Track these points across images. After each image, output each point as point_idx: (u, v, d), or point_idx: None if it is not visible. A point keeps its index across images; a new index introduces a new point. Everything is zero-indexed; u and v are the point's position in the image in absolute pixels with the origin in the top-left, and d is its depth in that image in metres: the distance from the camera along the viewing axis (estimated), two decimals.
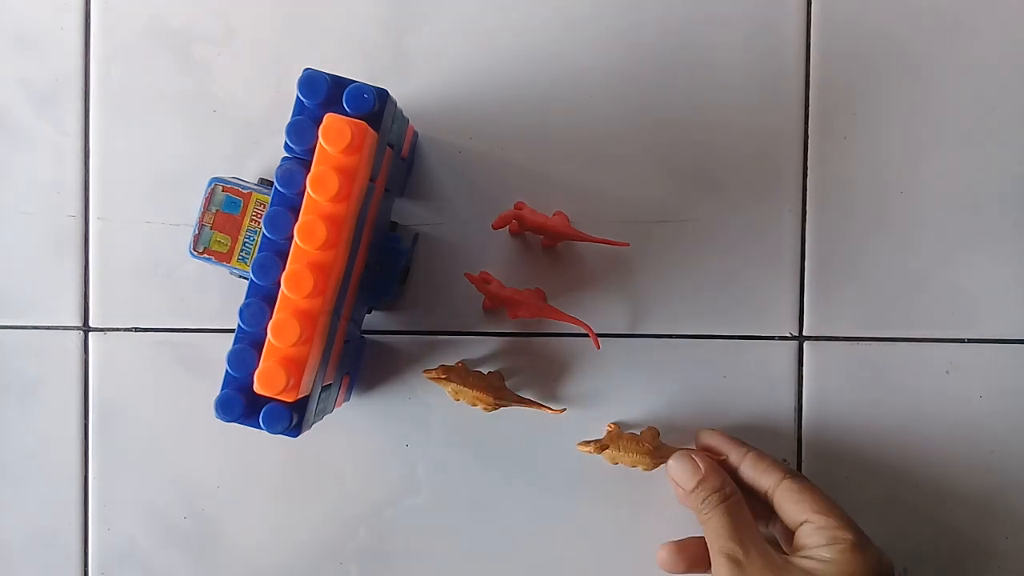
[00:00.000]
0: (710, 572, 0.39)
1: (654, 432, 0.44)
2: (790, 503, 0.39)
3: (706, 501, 0.39)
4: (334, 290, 0.35)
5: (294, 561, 0.45)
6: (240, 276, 0.42)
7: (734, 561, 0.37)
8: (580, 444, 0.43)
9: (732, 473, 0.41)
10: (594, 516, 0.45)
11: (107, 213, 0.45)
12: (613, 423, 0.44)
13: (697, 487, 0.40)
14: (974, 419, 0.45)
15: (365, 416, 0.45)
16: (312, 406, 0.36)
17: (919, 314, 0.45)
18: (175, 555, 0.45)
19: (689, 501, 0.40)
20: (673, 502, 0.45)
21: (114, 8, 0.45)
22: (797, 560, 0.37)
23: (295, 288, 0.33)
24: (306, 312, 0.33)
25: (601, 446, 0.42)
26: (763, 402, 0.45)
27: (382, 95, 0.35)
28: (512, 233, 0.45)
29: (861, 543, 0.37)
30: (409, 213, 0.45)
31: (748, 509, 0.39)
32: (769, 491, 0.40)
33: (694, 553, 0.42)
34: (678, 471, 0.41)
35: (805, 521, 0.38)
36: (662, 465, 0.43)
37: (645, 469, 0.43)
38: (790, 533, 0.40)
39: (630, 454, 0.42)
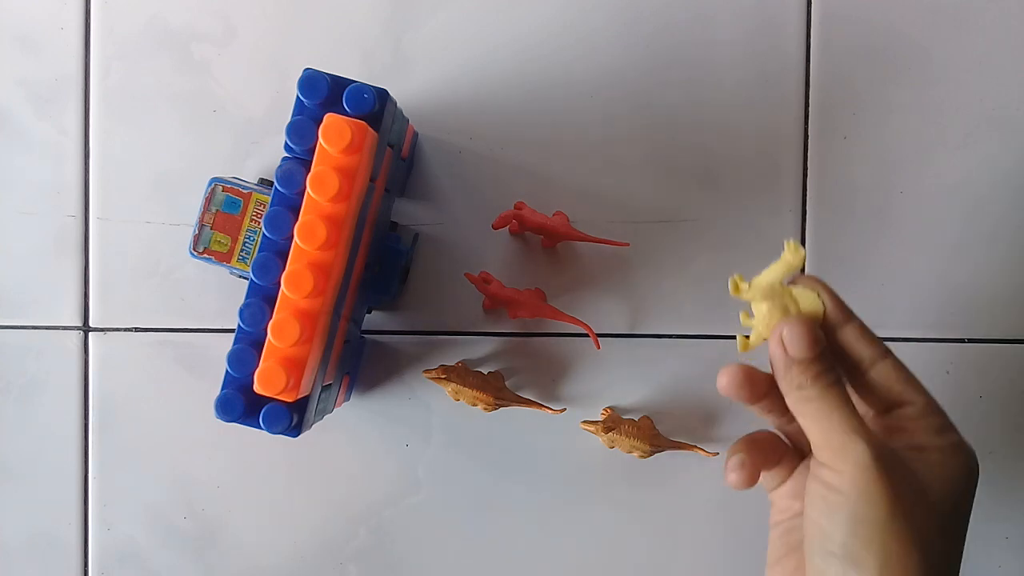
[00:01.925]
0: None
1: (650, 421, 0.44)
2: (895, 382, 0.33)
3: (817, 378, 0.32)
4: (334, 290, 0.35)
5: (294, 561, 0.45)
6: (240, 276, 0.42)
7: (873, 449, 0.31)
8: (584, 423, 0.44)
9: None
10: (594, 515, 0.45)
11: (107, 213, 0.45)
12: (608, 407, 0.45)
13: (812, 361, 0.32)
14: (974, 419, 0.45)
15: (365, 416, 0.45)
16: (312, 406, 0.36)
17: (919, 314, 0.45)
18: (175, 555, 0.45)
19: (791, 377, 0.33)
20: (674, 502, 0.45)
21: (114, 8, 0.45)
22: (910, 454, 0.32)
23: (295, 288, 0.33)
24: (306, 312, 0.33)
25: (606, 427, 0.43)
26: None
27: (382, 95, 0.35)
28: (512, 233, 0.45)
29: (965, 445, 0.33)
30: (409, 213, 0.45)
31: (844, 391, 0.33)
32: (867, 362, 0.33)
33: (765, 391, 0.35)
34: (792, 339, 0.32)
35: (907, 403, 0.33)
36: (657, 453, 0.43)
37: (641, 456, 0.43)
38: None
39: (628, 438, 0.42)
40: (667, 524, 0.45)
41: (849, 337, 0.33)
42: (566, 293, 0.45)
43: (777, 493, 0.36)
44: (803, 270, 0.45)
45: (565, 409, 0.44)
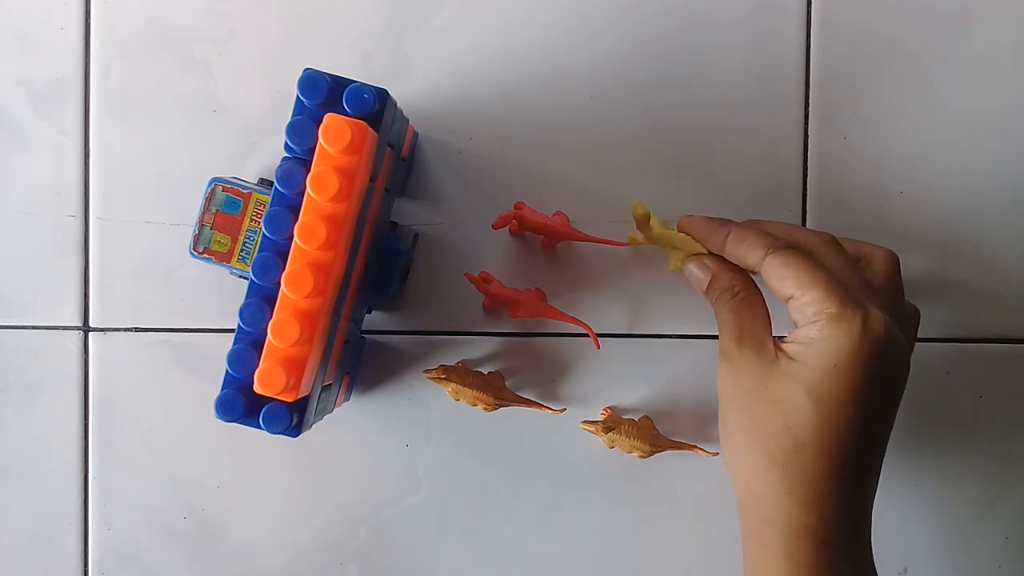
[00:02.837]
0: None
1: (650, 421, 0.44)
2: (774, 281, 0.35)
3: (717, 301, 0.38)
4: (334, 290, 0.35)
5: (294, 561, 0.45)
6: (240, 276, 0.42)
7: (725, 357, 0.36)
8: (584, 423, 0.44)
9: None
10: (594, 515, 0.45)
11: (107, 213, 0.45)
12: (608, 407, 0.44)
13: (708, 289, 0.39)
14: (974, 419, 0.45)
15: (365, 416, 0.45)
16: (312, 406, 0.36)
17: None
18: (175, 555, 0.45)
19: (710, 298, 0.39)
20: (674, 502, 0.45)
21: (114, 8, 0.45)
22: (786, 346, 0.35)
23: (295, 288, 0.33)
24: (306, 312, 0.33)
25: (606, 427, 0.43)
26: None
27: (382, 95, 0.35)
28: (512, 233, 0.45)
29: (845, 311, 0.33)
30: (409, 213, 0.45)
31: (760, 299, 0.37)
32: (757, 271, 0.37)
33: None
34: (691, 275, 0.40)
35: (791, 298, 0.35)
36: (657, 453, 0.43)
37: (640, 456, 0.43)
38: None
39: (628, 439, 0.42)
40: (667, 524, 0.45)
41: (732, 254, 0.38)
42: (566, 293, 0.45)
43: None
44: None
45: (565, 409, 0.44)
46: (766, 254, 0.36)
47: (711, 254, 0.39)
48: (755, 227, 0.38)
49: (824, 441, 0.33)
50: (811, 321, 0.34)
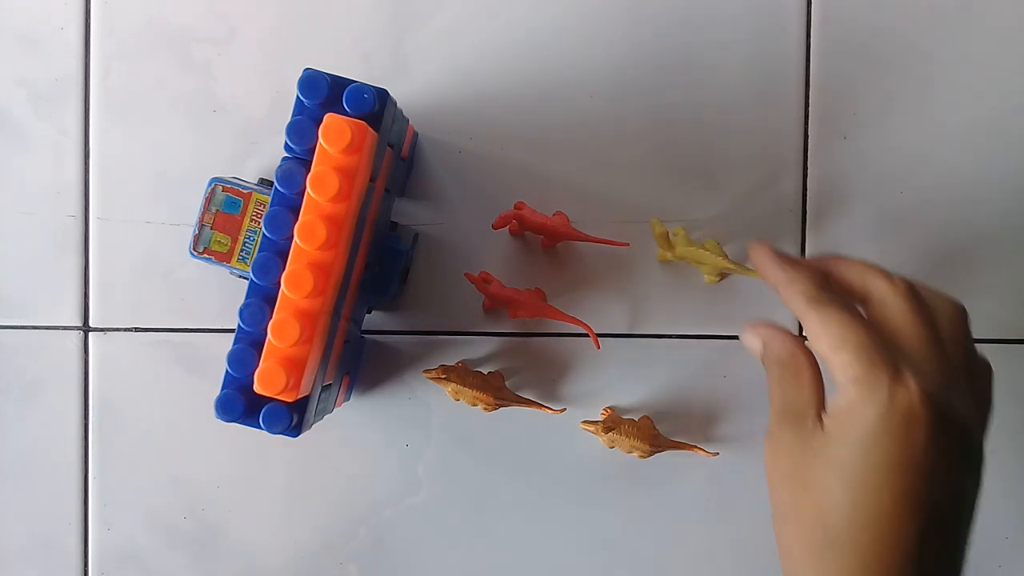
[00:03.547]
0: None
1: (650, 421, 0.44)
2: (812, 339, 0.32)
3: (768, 373, 0.34)
4: (334, 290, 0.35)
5: (294, 561, 0.45)
6: (240, 276, 0.42)
7: (768, 437, 0.33)
8: (584, 423, 0.44)
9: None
10: (594, 515, 0.45)
11: (107, 213, 0.45)
12: (608, 407, 0.45)
13: (763, 359, 0.34)
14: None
15: (365, 416, 0.45)
16: (312, 406, 0.36)
17: None
18: (175, 555, 0.45)
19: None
20: (674, 502, 0.45)
21: (114, 8, 0.45)
22: (824, 419, 0.31)
23: (295, 288, 0.33)
24: (306, 312, 0.33)
25: (606, 427, 0.43)
26: (763, 402, 0.45)
27: (382, 95, 0.35)
28: (512, 233, 0.45)
29: (870, 376, 0.29)
30: (409, 213, 0.45)
31: (810, 369, 0.33)
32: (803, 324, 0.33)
33: None
34: (746, 344, 0.36)
35: (826, 361, 0.32)
36: (657, 453, 0.43)
37: (640, 456, 0.43)
38: None
39: (628, 439, 0.42)
40: (667, 524, 0.45)
41: (783, 297, 0.34)
42: (566, 293, 0.45)
43: None
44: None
45: (565, 409, 0.44)
46: (807, 307, 0.32)
47: (765, 322, 0.35)
48: (811, 269, 0.34)
49: (858, 529, 0.29)
50: (840, 388, 0.30)
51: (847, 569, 0.29)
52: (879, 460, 0.29)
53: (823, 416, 0.31)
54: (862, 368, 0.30)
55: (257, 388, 0.33)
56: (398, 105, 0.38)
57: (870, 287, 0.33)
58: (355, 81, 0.35)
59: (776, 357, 0.34)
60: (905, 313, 0.32)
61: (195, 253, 0.40)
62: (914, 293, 0.33)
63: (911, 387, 0.29)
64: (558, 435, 0.45)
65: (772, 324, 0.35)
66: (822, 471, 0.30)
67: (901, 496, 0.29)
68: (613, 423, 0.43)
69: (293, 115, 0.35)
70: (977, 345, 0.45)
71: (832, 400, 0.31)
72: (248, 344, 0.34)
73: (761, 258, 0.35)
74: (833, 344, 0.31)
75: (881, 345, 0.30)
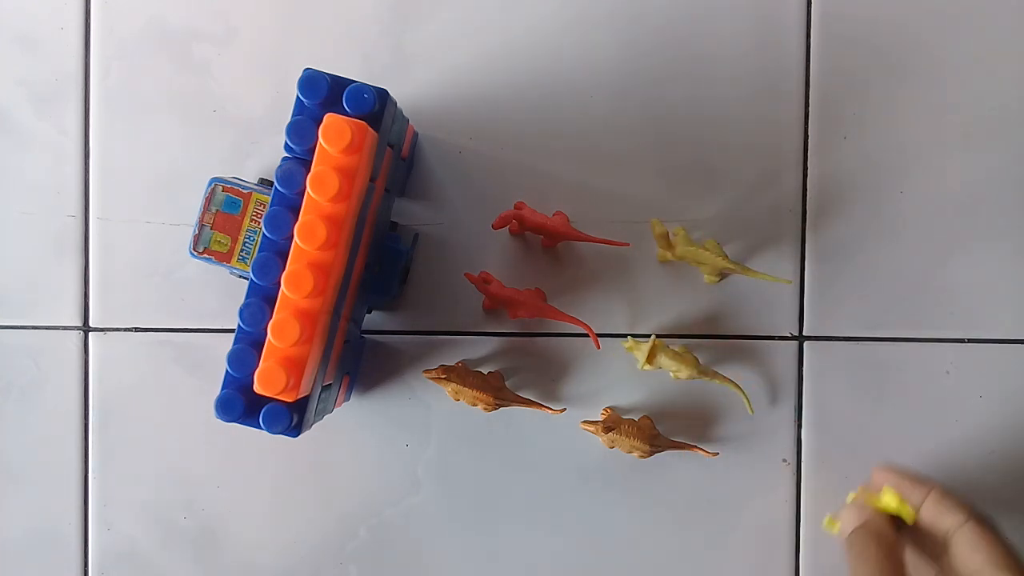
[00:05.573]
0: None
1: (650, 421, 0.44)
2: (968, 549, 0.36)
3: (850, 551, 0.38)
4: (334, 290, 0.35)
5: (294, 561, 0.45)
6: (240, 276, 0.42)
7: None
8: (584, 423, 0.43)
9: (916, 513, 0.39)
10: (594, 515, 0.45)
11: (107, 213, 0.45)
12: (608, 407, 0.44)
13: (852, 533, 0.38)
14: (974, 419, 0.45)
15: (365, 416, 0.45)
16: (312, 406, 0.36)
17: (919, 314, 0.45)
18: (175, 555, 0.45)
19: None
20: (674, 502, 0.45)
21: (114, 8, 0.45)
22: None
23: (295, 288, 0.33)
24: (306, 312, 0.33)
25: (606, 427, 0.43)
26: (763, 402, 0.45)
27: (382, 95, 0.35)
28: (512, 233, 0.45)
29: None
30: (409, 213, 0.45)
31: (896, 565, 0.37)
32: (948, 533, 0.37)
33: None
34: (847, 515, 0.39)
35: (975, 571, 0.35)
36: (657, 453, 0.43)
37: (640, 456, 0.43)
38: None
39: (628, 439, 0.42)
40: (667, 524, 0.45)
41: (928, 513, 0.37)
42: (566, 293, 0.45)
43: None
44: (801, 280, 0.45)
45: (565, 409, 0.44)
46: (966, 520, 0.36)
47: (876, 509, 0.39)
48: (955, 495, 0.38)
49: None
50: None
51: None
52: None
53: None
54: None
55: (257, 388, 0.33)
56: (398, 105, 0.38)
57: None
58: (355, 81, 0.35)
59: (878, 532, 0.37)
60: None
61: (195, 253, 0.40)
62: None
63: None
64: (558, 435, 0.45)
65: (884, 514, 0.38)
66: None
67: None
68: (613, 423, 0.43)
69: (293, 115, 0.35)
70: (978, 345, 0.46)
71: None
72: (248, 344, 0.34)
73: (898, 477, 0.39)
74: (993, 561, 0.35)
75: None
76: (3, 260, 0.45)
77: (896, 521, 0.38)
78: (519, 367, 0.45)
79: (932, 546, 0.37)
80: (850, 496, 0.41)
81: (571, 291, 0.45)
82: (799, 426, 0.45)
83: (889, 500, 0.39)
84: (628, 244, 0.44)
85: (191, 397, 0.45)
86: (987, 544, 0.35)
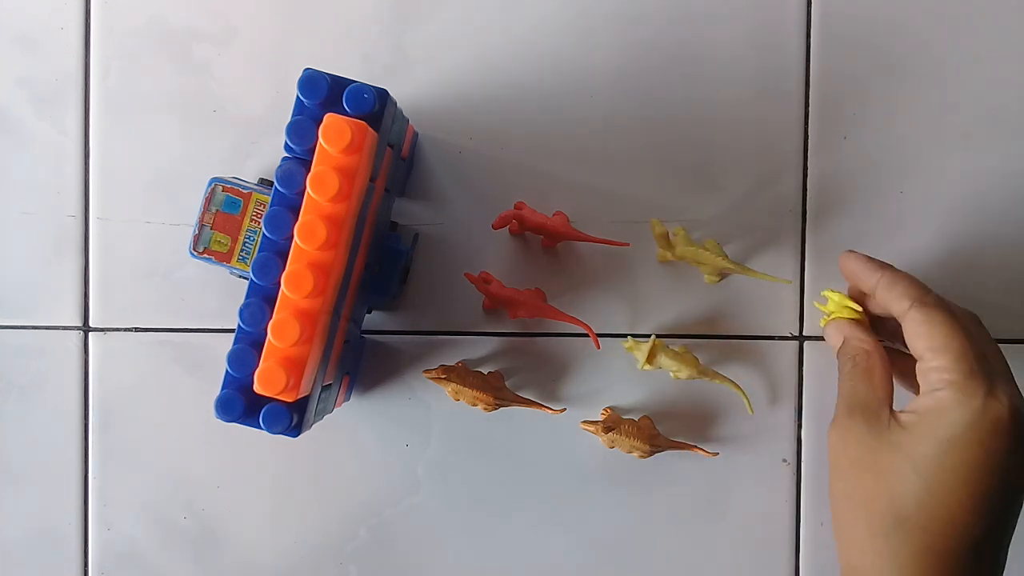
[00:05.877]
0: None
1: (650, 421, 0.44)
2: (911, 337, 0.34)
3: (840, 367, 0.38)
4: (334, 290, 0.35)
5: (294, 561, 0.45)
6: (240, 276, 0.42)
7: (835, 425, 0.36)
8: (584, 423, 0.43)
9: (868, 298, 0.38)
10: (594, 515, 0.45)
11: (107, 213, 0.45)
12: (608, 407, 0.44)
13: (838, 353, 0.38)
14: None
15: (365, 416, 0.45)
16: (312, 406, 0.36)
17: None
18: (175, 555, 0.45)
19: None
20: (674, 502, 0.45)
21: (114, 8, 0.45)
22: (902, 415, 0.34)
23: (295, 288, 0.33)
24: (306, 312, 0.33)
25: (606, 427, 0.43)
26: (763, 402, 0.45)
27: (382, 95, 0.35)
28: (512, 233, 0.45)
29: (969, 383, 0.32)
30: (409, 213, 0.45)
31: (882, 369, 0.36)
32: (900, 321, 0.35)
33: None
34: (827, 336, 0.40)
35: (920, 359, 0.34)
36: (657, 453, 0.43)
37: (640, 456, 0.43)
38: None
39: (628, 439, 0.42)
40: (667, 524, 0.45)
41: (881, 299, 0.37)
42: (566, 293, 0.45)
43: None
44: (801, 280, 0.45)
45: (565, 409, 0.44)
46: (911, 306, 0.35)
47: (849, 320, 0.39)
48: (911, 278, 0.36)
49: (929, 516, 0.32)
50: (933, 389, 0.33)
51: (912, 549, 0.32)
52: (962, 460, 0.31)
53: (898, 412, 0.34)
54: (961, 375, 0.32)
55: (257, 388, 0.33)
56: (398, 105, 0.38)
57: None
58: (355, 81, 0.35)
59: (852, 355, 0.37)
60: (988, 338, 0.35)
61: (195, 253, 0.40)
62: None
63: (1003, 402, 0.32)
64: (558, 435, 0.45)
65: (855, 324, 0.38)
66: (899, 462, 0.33)
67: (978, 495, 0.32)
68: (613, 423, 0.43)
69: (293, 115, 0.35)
70: None
71: (918, 399, 0.33)
72: (248, 344, 0.34)
73: (856, 261, 0.38)
74: (934, 346, 0.33)
75: (981, 356, 0.33)
76: (3, 260, 0.45)
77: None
78: (519, 367, 0.45)
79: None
80: (822, 310, 0.41)
81: (571, 291, 0.45)
82: (799, 426, 0.45)
83: (838, 302, 0.39)
84: (628, 244, 0.44)
85: (191, 397, 0.45)
86: (927, 328, 0.33)
